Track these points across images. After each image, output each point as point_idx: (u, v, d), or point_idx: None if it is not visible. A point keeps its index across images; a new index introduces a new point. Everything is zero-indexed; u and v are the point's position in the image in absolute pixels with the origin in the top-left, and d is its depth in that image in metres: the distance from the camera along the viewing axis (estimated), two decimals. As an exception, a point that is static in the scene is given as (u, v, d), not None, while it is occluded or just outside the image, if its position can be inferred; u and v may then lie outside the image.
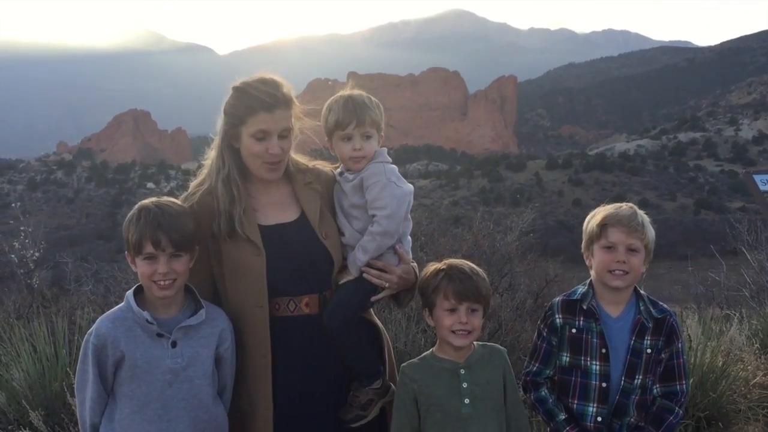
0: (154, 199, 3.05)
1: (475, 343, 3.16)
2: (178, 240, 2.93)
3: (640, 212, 3.23)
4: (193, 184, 3.30)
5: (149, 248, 2.91)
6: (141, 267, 2.94)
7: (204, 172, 3.28)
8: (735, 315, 7.26)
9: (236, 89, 3.14)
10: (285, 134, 3.14)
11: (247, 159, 3.18)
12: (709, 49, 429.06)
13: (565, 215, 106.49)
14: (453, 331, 3.05)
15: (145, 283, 2.97)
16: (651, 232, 3.21)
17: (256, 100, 3.08)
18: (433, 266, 3.19)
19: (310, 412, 3.15)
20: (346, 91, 3.26)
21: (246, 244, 3.12)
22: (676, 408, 3.21)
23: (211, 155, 3.26)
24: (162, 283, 2.93)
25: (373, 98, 3.27)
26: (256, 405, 3.12)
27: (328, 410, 3.18)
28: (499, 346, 3.26)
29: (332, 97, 3.25)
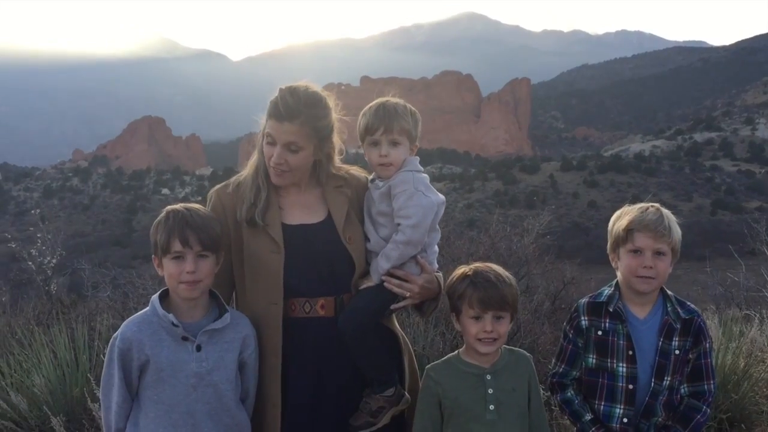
0: (181, 204, 3.10)
1: (502, 347, 3.14)
2: (205, 239, 2.97)
3: (666, 213, 3.20)
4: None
5: (177, 246, 2.94)
6: (168, 267, 2.97)
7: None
8: (755, 316, 7.20)
9: (278, 90, 3.18)
10: (294, 149, 3.13)
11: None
12: (724, 48, 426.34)
13: (581, 217, 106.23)
14: (479, 339, 3.04)
15: (171, 284, 2.99)
16: (677, 232, 3.19)
17: (273, 105, 3.12)
18: (460, 270, 3.17)
19: (321, 414, 3.15)
20: (384, 98, 3.26)
21: (266, 239, 3.15)
22: (704, 407, 3.20)
23: None
24: (189, 282, 2.95)
25: (409, 106, 3.25)
26: (266, 403, 3.14)
27: (340, 414, 3.17)
28: (525, 353, 3.24)
29: (370, 103, 3.25)
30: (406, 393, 3.24)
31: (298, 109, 3.08)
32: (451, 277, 3.19)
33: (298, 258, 3.15)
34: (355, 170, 3.41)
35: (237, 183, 3.28)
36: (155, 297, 3.03)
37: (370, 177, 3.35)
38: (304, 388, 3.14)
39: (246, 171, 3.29)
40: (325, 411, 3.15)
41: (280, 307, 3.11)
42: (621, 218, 3.24)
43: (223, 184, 3.33)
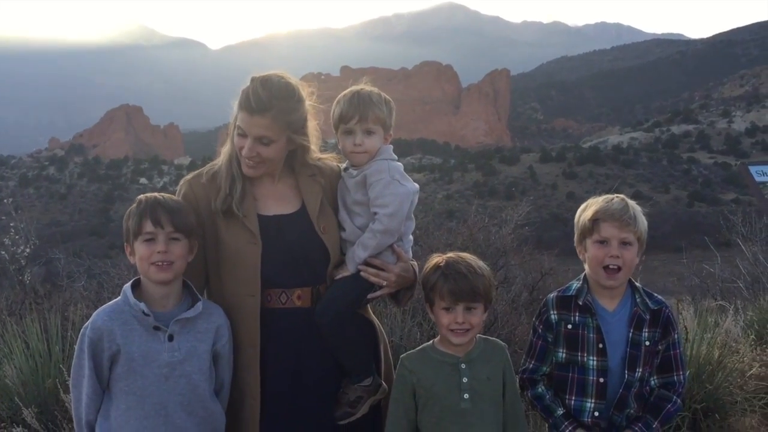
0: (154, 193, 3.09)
1: (477, 335, 3.12)
2: (177, 222, 2.94)
3: (632, 203, 3.19)
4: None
5: (149, 227, 2.91)
6: (140, 250, 2.93)
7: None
8: (730, 306, 7.25)
9: (250, 80, 3.11)
10: (265, 142, 3.08)
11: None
12: (702, 41, 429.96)
13: (559, 208, 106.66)
14: (451, 330, 3.02)
15: (142, 267, 2.95)
16: (643, 223, 3.18)
17: (244, 96, 3.06)
18: (433, 261, 3.15)
19: (299, 405, 3.13)
20: (359, 86, 3.23)
21: (243, 231, 3.11)
22: (674, 397, 3.21)
23: None
24: (160, 264, 2.91)
25: (383, 95, 3.23)
26: (245, 395, 3.11)
27: (319, 404, 3.16)
28: (500, 342, 3.22)
29: (344, 91, 3.22)
30: (383, 382, 3.23)
31: (270, 102, 3.02)
32: (425, 266, 3.17)
33: (274, 249, 3.11)
34: (328, 158, 3.38)
35: (211, 173, 3.22)
36: (127, 286, 2.98)
37: (343, 166, 3.32)
38: (282, 379, 3.11)
39: (219, 160, 3.24)
40: (302, 401, 3.13)
41: (258, 298, 3.08)
42: (587, 209, 3.23)
43: (194, 174, 3.27)
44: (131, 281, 3.03)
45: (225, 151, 3.22)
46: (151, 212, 2.92)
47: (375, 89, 3.23)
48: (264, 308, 3.10)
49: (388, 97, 3.25)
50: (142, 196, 3.03)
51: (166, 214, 2.93)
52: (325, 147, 3.41)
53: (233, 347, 3.11)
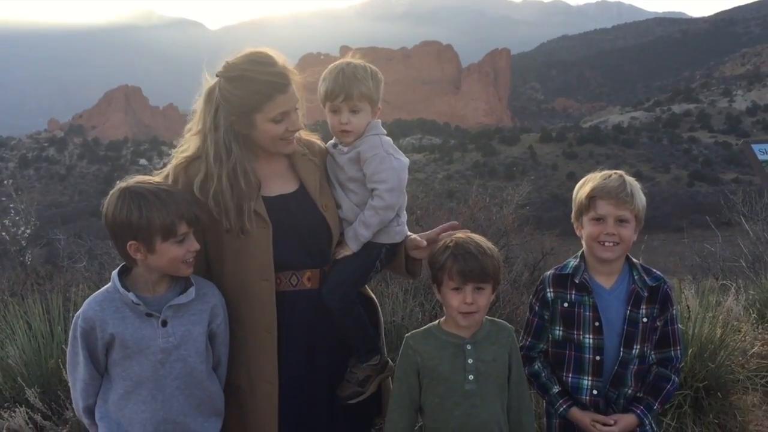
0: (146, 180, 2.90)
1: (484, 317, 3.10)
2: (201, 215, 2.92)
3: (630, 180, 3.16)
4: (170, 170, 3.09)
5: (184, 228, 2.82)
6: (171, 251, 2.81)
7: (185, 155, 3.11)
8: (732, 286, 7.25)
9: (234, 78, 2.96)
10: (298, 106, 3.07)
11: (264, 142, 3.07)
12: (703, 20, 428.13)
13: (560, 188, 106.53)
14: (460, 312, 2.99)
15: (173, 265, 2.85)
16: (641, 200, 3.15)
17: (267, 84, 2.95)
18: (442, 241, 3.11)
19: (312, 386, 3.11)
20: (345, 60, 3.14)
21: (252, 216, 3.02)
22: (673, 375, 3.20)
23: (193, 139, 3.11)
24: (190, 260, 2.87)
25: (370, 68, 3.12)
26: (258, 380, 3.05)
27: (330, 384, 3.15)
28: (507, 324, 3.19)
29: (332, 64, 3.14)
30: (389, 360, 3.23)
31: (283, 70, 2.99)
32: (433, 248, 3.14)
33: (283, 230, 3.05)
34: (306, 134, 3.28)
35: (198, 159, 3.07)
36: (115, 274, 2.89)
37: (331, 142, 3.26)
38: (296, 361, 3.08)
39: (200, 172, 3.04)
40: (316, 382, 3.12)
41: (272, 283, 3.01)
42: (584, 186, 3.20)
43: (183, 160, 3.10)
44: (118, 268, 2.93)
45: (209, 162, 3.03)
46: (187, 211, 2.83)
47: (361, 62, 3.12)
48: (275, 291, 3.04)
49: (374, 68, 3.14)
50: (151, 190, 2.82)
51: (198, 210, 2.87)
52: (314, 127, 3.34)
53: (243, 332, 3.05)
